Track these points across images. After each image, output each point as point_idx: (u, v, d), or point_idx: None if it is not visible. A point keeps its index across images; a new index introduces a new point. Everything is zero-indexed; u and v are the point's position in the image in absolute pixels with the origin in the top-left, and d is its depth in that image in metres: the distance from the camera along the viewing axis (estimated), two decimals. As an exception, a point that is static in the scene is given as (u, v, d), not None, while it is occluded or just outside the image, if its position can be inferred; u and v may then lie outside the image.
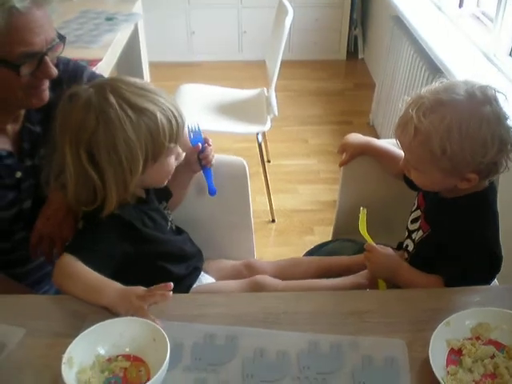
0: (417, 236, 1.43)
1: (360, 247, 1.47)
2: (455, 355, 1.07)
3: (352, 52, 4.92)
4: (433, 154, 1.23)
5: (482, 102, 1.21)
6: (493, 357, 1.06)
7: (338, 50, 4.85)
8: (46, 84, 1.37)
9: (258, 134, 2.93)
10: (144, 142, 1.24)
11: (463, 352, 1.07)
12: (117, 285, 1.19)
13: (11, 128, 1.45)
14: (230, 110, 3.11)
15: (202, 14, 4.63)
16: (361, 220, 1.41)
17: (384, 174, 1.64)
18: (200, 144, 1.50)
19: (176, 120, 1.29)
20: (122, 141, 1.22)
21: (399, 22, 3.26)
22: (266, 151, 3.45)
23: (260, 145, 2.98)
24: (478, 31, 2.78)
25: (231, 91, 3.31)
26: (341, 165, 1.68)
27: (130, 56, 3.20)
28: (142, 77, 3.50)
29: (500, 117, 1.22)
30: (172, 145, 1.30)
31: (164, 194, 1.48)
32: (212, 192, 1.56)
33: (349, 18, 4.70)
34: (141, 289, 1.17)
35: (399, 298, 1.23)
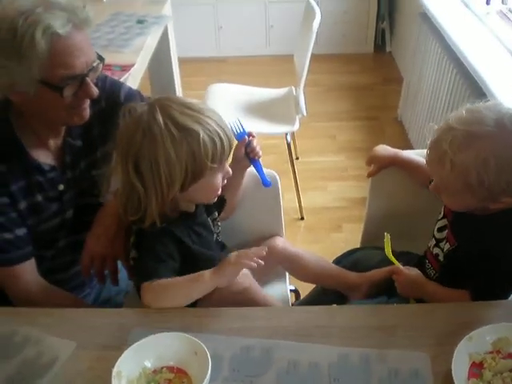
0: (445, 247, 1.47)
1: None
2: (477, 368, 1.12)
3: (379, 45, 4.91)
4: (469, 186, 1.28)
5: None
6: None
7: (366, 43, 4.85)
8: (87, 103, 1.44)
9: (286, 134, 2.98)
10: (185, 160, 1.29)
11: (484, 365, 1.12)
12: (202, 271, 1.30)
13: (53, 142, 1.51)
14: (258, 109, 3.16)
15: (230, 8, 4.68)
16: (386, 245, 1.45)
17: (411, 183, 1.68)
18: (246, 137, 1.54)
19: (221, 141, 1.32)
20: (163, 157, 1.28)
21: (427, 19, 3.25)
22: (295, 148, 3.49)
23: (289, 144, 3.02)
24: (506, 29, 2.77)
25: (259, 90, 3.36)
26: (369, 176, 1.73)
27: (160, 55, 3.24)
28: (171, 74, 3.54)
29: None
30: (216, 165, 1.34)
31: (216, 204, 1.52)
32: (266, 183, 1.59)
33: (376, 11, 4.70)
34: (230, 256, 1.29)
35: (424, 312, 1.29)
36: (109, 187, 1.43)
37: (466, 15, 3.08)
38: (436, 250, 1.51)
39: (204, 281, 1.29)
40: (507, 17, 2.88)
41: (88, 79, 1.38)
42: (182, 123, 1.29)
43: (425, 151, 1.44)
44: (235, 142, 1.44)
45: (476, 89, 2.48)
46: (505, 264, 1.33)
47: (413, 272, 1.46)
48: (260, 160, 1.57)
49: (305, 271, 1.71)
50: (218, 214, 1.57)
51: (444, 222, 1.50)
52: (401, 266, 1.46)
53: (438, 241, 1.51)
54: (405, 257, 1.61)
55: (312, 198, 3.25)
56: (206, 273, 1.29)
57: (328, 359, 1.17)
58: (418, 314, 1.28)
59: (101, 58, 1.44)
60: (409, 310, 1.30)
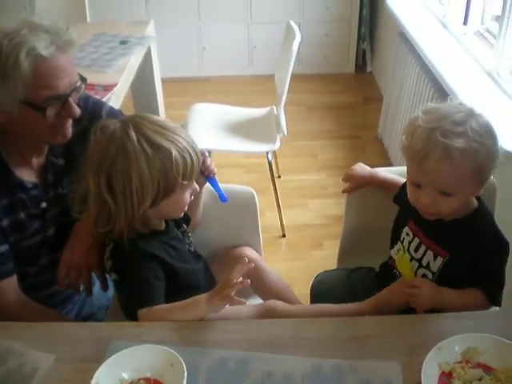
0: (435, 263, 1.47)
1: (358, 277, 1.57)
2: (446, 377, 1.15)
3: (360, 65, 4.99)
4: (478, 168, 1.34)
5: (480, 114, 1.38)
6: (480, 379, 1.14)
7: (347, 64, 4.92)
8: (70, 122, 1.47)
9: (267, 152, 3.01)
10: (157, 176, 1.33)
11: (453, 375, 1.15)
12: (198, 296, 1.32)
13: (36, 161, 1.54)
14: (239, 128, 3.20)
15: (213, 29, 4.73)
16: (403, 264, 1.47)
17: (387, 199, 1.68)
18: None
19: (191, 158, 1.37)
20: (136, 173, 1.32)
21: (405, 39, 3.32)
22: (277, 167, 3.53)
23: (270, 163, 3.05)
24: (482, 49, 2.83)
25: (241, 110, 3.40)
26: (343, 192, 1.76)
27: (143, 75, 3.27)
28: (154, 94, 3.57)
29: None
30: (186, 181, 1.39)
31: (182, 219, 1.56)
32: (223, 198, 1.63)
33: (357, 31, 4.78)
34: (219, 285, 1.29)
35: (395, 323, 1.32)
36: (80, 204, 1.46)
37: (443, 35, 3.14)
38: (421, 272, 1.50)
39: (198, 309, 1.31)
40: (484, 37, 2.93)
41: (70, 99, 1.42)
42: (155, 141, 1.34)
43: (404, 168, 1.48)
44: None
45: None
46: (502, 253, 1.42)
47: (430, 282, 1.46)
48: (216, 177, 1.62)
49: (264, 288, 1.73)
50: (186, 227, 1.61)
51: (417, 241, 1.51)
52: (422, 279, 1.47)
53: (419, 260, 1.51)
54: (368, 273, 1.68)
55: (293, 215, 3.28)
56: (201, 301, 1.31)
57: (301, 370, 1.19)
58: (390, 325, 1.30)
59: (83, 79, 1.47)
60: (380, 321, 1.32)
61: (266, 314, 1.49)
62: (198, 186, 1.47)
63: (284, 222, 3.16)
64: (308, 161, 3.83)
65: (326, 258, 2.77)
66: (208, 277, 1.64)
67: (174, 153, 1.34)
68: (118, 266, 1.43)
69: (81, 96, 1.51)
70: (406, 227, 1.54)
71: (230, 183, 1.73)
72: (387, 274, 1.59)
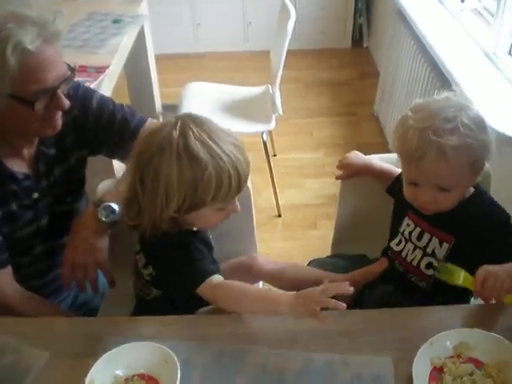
0: (440, 251, 1.47)
1: (353, 262, 1.57)
2: (437, 373, 1.16)
3: (357, 40, 4.95)
4: (474, 162, 1.35)
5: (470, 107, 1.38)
6: (471, 374, 1.15)
7: (344, 39, 4.89)
8: (59, 114, 1.46)
9: (263, 132, 3.00)
10: (184, 188, 1.24)
11: (444, 370, 1.16)
12: (286, 293, 1.27)
13: (27, 152, 1.53)
14: (235, 108, 3.19)
15: (207, 5, 4.68)
16: (466, 278, 1.38)
17: (380, 188, 1.69)
18: None
19: (230, 180, 1.25)
20: (164, 177, 1.24)
21: (402, 17, 3.29)
22: (272, 145, 3.52)
23: (265, 143, 3.05)
24: (479, 28, 2.81)
25: (236, 89, 3.38)
26: (337, 178, 1.76)
27: (136, 55, 3.22)
28: (149, 73, 3.52)
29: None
30: (217, 203, 1.29)
31: None
32: None
33: (353, 5, 4.73)
34: (316, 293, 1.19)
35: (386, 317, 1.32)
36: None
37: (440, 13, 3.12)
38: (427, 261, 1.50)
39: (278, 308, 1.24)
40: (481, 14, 2.90)
41: (59, 92, 1.40)
42: (194, 151, 1.22)
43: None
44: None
45: (447, 86, 2.52)
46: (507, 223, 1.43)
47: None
48: None
49: (288, 285, 1.67)
50: None
51: (418, 230, 1.51)
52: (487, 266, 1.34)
53: (424, 249, 1.50)
54: (360, 260, 1.67)
55: (289, 195, 3.29)
56: (283, 301, 1.24)
57: (294, 364, 1.20)
58: (381, 319, 1.31)
59: (72, 69, 1.46)
60: (372, 315, 1.32)
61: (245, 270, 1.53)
62: (237, 207, 1.35)
63: (280, 202, 3.17)
64: (304, 138, 3.82)
65: (321, 238, 2.78)
66: None
67: (210, 170, 1.22)
68: (152, 259, 1.38)
69: (71, 85, 1.49)
70: (406, 218, 1.54)
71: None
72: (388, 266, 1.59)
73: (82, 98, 1.62)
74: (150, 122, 1.69)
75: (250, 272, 1.66)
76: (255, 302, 1.28)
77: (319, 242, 2.81)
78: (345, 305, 1.17)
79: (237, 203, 1.34)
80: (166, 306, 1.39)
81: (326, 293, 1.18)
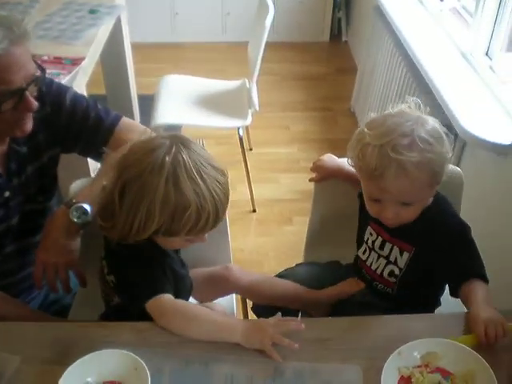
0: (401, 260, 1.48)
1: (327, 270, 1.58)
2: (405, 382, 1.17)
3: (336, 34, 4.95)
4: (434, 174, 1.34)
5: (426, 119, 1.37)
6: (438, 384, 1.17)
7: (322, 33, 4.89)
8: (29, 116, 1.43)
9: (239, 128, 2.99)
10: (164, 218, 1.23)
11: (412, 380, 1.17)
12: (241, 321, 1.29)
13: None
14: (211, 102, 3.17)
15: (185, -6, 4.64)
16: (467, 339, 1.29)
17: (353, 192, 1.67)
18: None
19: (207, 220, 1.26)
20: (149, 198, 1.22)
21: (380, 13, 3.29)
22: (248, 139, 3.52)
23: (241, 138, 3.03)
24: (458, 28, 2.82)
25: (213, 83, 3.36)
26: (310, 181, 1.76)
27: (112, 46, 3.20)
28: (125, 65, 3.49)
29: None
30: (190, 236, 1.30)
31: None
32: None
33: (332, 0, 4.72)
34: (271, 319, 1.26)
35: (356, 325, 1.32)
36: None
37: (419, 11, 3.13)
38: (389, 269, 1.51)
39: (232, 336, 1.25)
40: (460, 14, 2.91)
41: (27, 93, 1.37)
42: (181, 183, 1.22)
43: None
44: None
45: (423, 86, 2.54)
46: (465, 233, 1.44)
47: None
48: None
49: (262, 298, 1.69)
50: None
51: (380, 240, 1.52)
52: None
53: (387, 257, 1.52)
54: (334, 268, 1.69)
55: (264, 190, 3.29)
56: (238, 329, 1.25)
57: (264, 373, 1.21)
58: (351, 328, 1.31)
59: (42, 69, 1.43)
60: (342, 324, 1.33)
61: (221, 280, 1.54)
62: (205, 238, 1.36)
63: (254, 197, 3.17)
64: (280, 133, 3.82)
65: (296, 234, 2.80)
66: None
67: (192, 208, 1.22)
68: (114, 266, 1.37)
69: (44, 82, 1.48)
70: (369, 227, 1.55)
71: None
72: (356, 274, 1.60)
73: (56, 94, 1.60)
74: (123, 121, 1.68)
75: (225, 284, 1.64)
76: (205, 324, 1.28)
77: (294, 237, 2.84)
78: (297, 345, 1.21)
79: (204, 236, 1.35)
80: (129, 313, 1.38)
81: (278, 329, 1.23)
